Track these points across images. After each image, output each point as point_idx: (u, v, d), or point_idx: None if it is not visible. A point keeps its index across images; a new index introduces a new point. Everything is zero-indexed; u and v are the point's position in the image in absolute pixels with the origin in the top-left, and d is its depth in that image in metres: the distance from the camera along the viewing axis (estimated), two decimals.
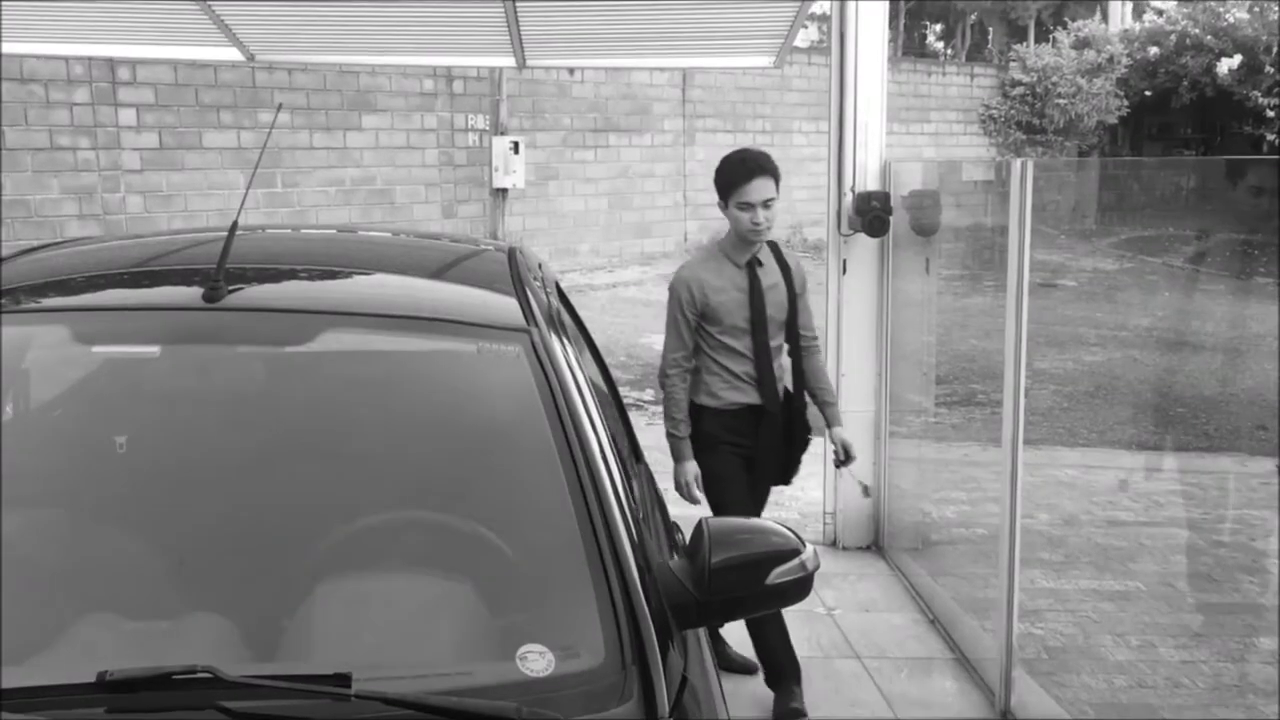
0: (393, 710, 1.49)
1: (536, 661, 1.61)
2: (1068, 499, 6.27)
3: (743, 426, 3.72)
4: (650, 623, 1.68)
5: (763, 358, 3.69)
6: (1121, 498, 6.40)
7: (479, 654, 1.72)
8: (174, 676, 1.49)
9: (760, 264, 3.69)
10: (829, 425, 3.89)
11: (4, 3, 4.59)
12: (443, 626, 1.75)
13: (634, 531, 1.87)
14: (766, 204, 3.56)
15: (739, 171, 3.57)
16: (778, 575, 1.79)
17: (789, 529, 1.89)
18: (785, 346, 3.81)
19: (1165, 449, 7.80)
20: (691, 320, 3.67)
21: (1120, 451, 7.58)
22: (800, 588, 1.82)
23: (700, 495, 3.71)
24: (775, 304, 3.70)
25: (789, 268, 3.76)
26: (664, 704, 1.58)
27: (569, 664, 1.63)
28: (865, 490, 4.43)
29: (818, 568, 1.85)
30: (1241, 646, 4.47)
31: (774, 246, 3.78)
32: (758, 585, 1.79)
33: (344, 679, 1.50)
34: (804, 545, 1.84)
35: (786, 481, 3.96)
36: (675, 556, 2.26)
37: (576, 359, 2.26)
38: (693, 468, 3.72)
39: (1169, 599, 4.91)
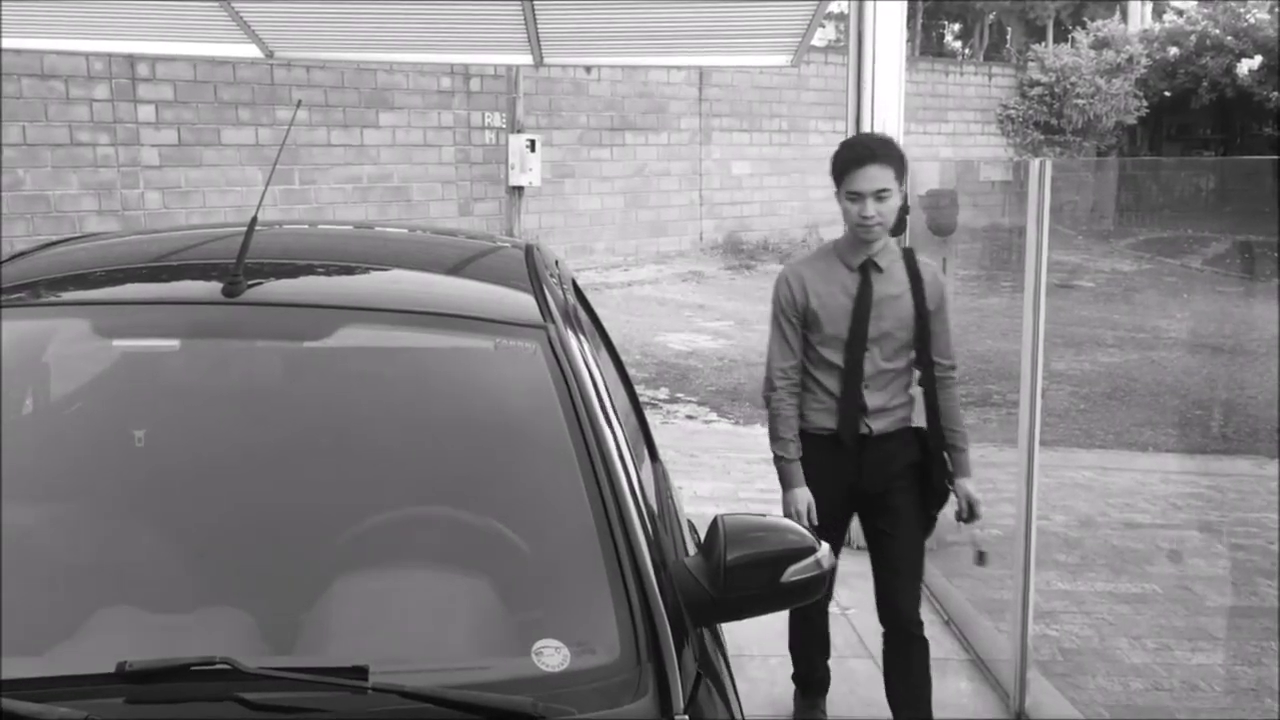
0: (409, 704, 1.50)
1: (552, 657, 1.62)
2: (1084, 501, 6.25)
3: (836, 458, 3.23)
4: (665, 619, 1.68)
5: (851, 377, 3.17)
6: (1138, 499, 6.37)
7: (495, 649, 1.73)
8: (192, 668, 1.50)
9: (879, 269, 3.17)
10: (953, 474, 3.30)
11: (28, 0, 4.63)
12: (459, 621, 1.76)
13: (650, 528, 1.87)
14: (879, 195, 3.06)
15: (848, 157, 3.12)
16: (793, 573, 1.79)
17: (804, 528, 1.89)
18: (913, 374, 3.27)
19: (1182, 451, 7.75)
20: (797, 324, 3.21)
21: (1137, 453, 7.55)
22: (815, 586, 1.82)
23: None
24: (895, 318, 3.17)
25: (921, 279, 3.21)
26: (679, 700, 1.58)
27: (584, 659, 1.64)
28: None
29: (833, 566, 1.86)
30: (1258, 650, 4.45)
31: (909, 254, 3.28)
32: (773, 583, 1.79)
33: (361, 672, 1.51)
34: (819, 544, 1.84)
35: (924, 535, 3.40)
36: (690, 554, 2.26)
37: (593, 355, 2.26)
38: (805, 495, 3.20)
39: (1185, 602, 4.88)
